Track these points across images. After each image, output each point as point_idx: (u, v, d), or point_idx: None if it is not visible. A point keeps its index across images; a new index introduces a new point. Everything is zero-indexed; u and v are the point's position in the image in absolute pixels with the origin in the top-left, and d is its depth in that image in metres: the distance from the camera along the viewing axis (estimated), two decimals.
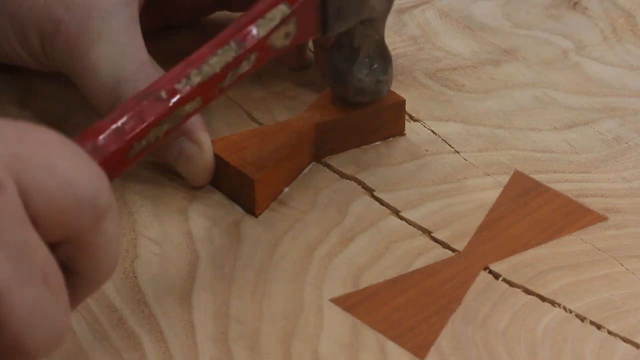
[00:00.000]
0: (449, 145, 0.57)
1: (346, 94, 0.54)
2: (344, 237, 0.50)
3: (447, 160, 0.55)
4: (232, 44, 0.45)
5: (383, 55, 0.54)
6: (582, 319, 0.46)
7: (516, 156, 0.56)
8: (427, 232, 0.51)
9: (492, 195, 0.53)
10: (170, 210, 0.51)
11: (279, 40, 0.47)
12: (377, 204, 0.52)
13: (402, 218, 0.51)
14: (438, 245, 0.50)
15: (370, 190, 0.53)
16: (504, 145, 0.57)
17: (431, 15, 0.69)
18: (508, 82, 0.63)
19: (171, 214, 0.51)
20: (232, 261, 0.49)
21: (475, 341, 0.45)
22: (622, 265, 0.49)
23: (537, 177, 0.54)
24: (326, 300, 0.47)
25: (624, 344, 0.45)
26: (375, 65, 0.54)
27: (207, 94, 0.45)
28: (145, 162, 0.54)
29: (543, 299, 0.47)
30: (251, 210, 0.51)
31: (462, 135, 0.57)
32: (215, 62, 0.45)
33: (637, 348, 0.44)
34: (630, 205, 0.53)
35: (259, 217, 0.51)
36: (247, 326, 0.45)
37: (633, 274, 0.48)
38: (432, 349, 0.44)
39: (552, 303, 0.47)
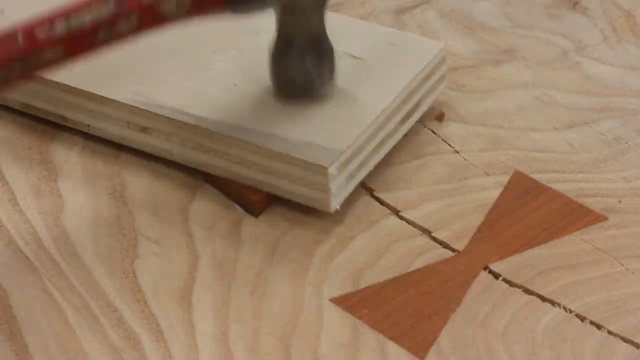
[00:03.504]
0: (449, 145, 0.57)
1: (278, 85, 0.53)
2: (344, 237, 0.50)
3: (447, 160, 0.55)
4: (110, 2, 0.44)
5: (318, 50, 0.52)
6: (582, 319, 0.46)
7: (516, 156, 0.56)
8: (427, 232, 0.51)
9: (492, 195, 0.53)
10: (170, 210, 0.51)
11: (170, 7, 0.46)
12: (377, 204, 0.52)
13: (402, 218, 0.51)
14: (438, 245, 0.50)
15: (370, 190, 0.53)
16: (504, 145, 0.57)
17: (431, 15, 0.69)
18: (508, 82, 0.63)
19: (171, 214, 0.51)
20: (232, 261, 0.49)
21: (475, 341, 0.45)
22: (622, 265, 0.49)
23: (537, 177, 0.54)
24: (326, 300, 0.47)
25: (624, 344, 0.45)
26: (307, 58, 0.52)
27: (72, 46, 0.44)
28: (145, 161, 0.54)
29: (543, 299, 0.47)
30: (251, 210, 0.51)
31: (462, 135, 0.57)
32: (87, 16, 0.44)
33: (637, 348, 0.44)
34: (630, 205, 0.52)
35: (259, 217, 0.51)
36: (247, 326, 0.45)
37: (633, 274, 0.48)
38: (432, 349, 0.44)
39: (552, 303, 0.47)
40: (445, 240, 0.50)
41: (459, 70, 0.63)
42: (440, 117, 0.58)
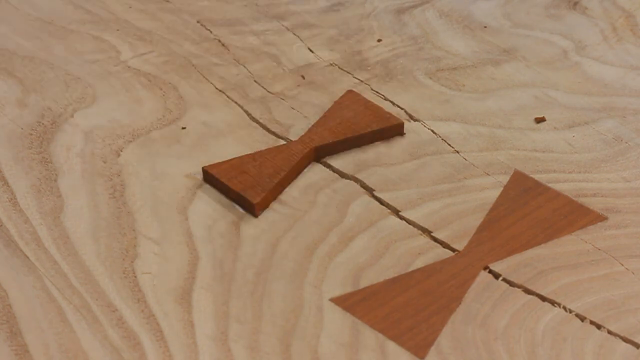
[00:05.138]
0: (449, 145, 0.57)
1: None
2: (344, 237, 0.50)
3: (447, 160, 0.55)
4: None
5: None
6: (582, 318, 0.46)
7: (516, 156, 0.56)
8: (427, 232, 0.51)
9: (492, 195, 0.53)
10: (170, 210, 0.51)
11: None
12: (377, 203, 0.52)
13: (402, 218, 0.52)
14: (438, 245, 0.50)
15: (370, 190, 0.53)
16: (504, 145, 0.57)
17: (431, 15, 0.69)
18: (508, 82, 0.63)
19: (171, 214, 0.51)
20: (232, 261, 0.49)
21: (475, 341, 0.45)
22: (622, 265, 0.49)
23: (537, 177, 0.54)
24: (326, 300, 0.47)
25: (624, 343, 0.45)
26: None
27: None
28: (145, 161, 0.54)
29: (543, 298, 0.47)
30: (251, 210, 0.51)
31: (462, 135, 0.57)
32: None
33: (637, 348, 0.44)
34: (630, 205, 0.53)
35: (259, 217, 0.51)
36: (247, 326, 0.45)
37: (633, 274, 0.48)
38: (432, 348, 0.44)
39: (552, 303, 0.47)
40: (445, 240, 0.50)
41: (459, 70, 0.64)
42: (539, 119, 0.57)
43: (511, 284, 0.48)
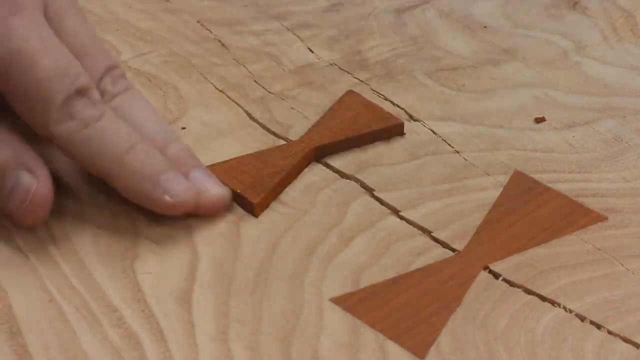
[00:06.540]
0: (449, 145, 0.57)
1: None
2: (344, 237, 0.50)
3: (447, 160, 0.55)
4: None
5: None
6: (582, 318, 0.46)
7: (516, 156, 0.56)
8: (427, 232, 0.51)
9: (492, 195, 0.53)
10: None
11: None
12: (377, 203, 0.52)
13: (402, 218, 0.52)
14: (438, 245, 0.50)
15: (370, 190, 0.53)
16: (504, 145, 0.57)
17: (431, 15, 0.69)
18: (508, 82, 0.63)
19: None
20: (232, 261, 0.49)
21: (475, 341, 0.45)
22: (622, 265, 0.49)
23: (537, 177, 0.54)
24: (326, 300, 0.47)
25: (624, 343, 0.45)
26: None
27: None
28: None
29: (543, 298, 0.47)
30: (251, 210, 0.51)
31: (462, 135, 0.57)
32: None
33: (637, 348, 0.44)
34: (630, 205, 0.53)
35: (259, 217, 0.51)
36: (247, 326, 0.45)
37: (633, 274, 0.48)
38: (432, 349, 0.44)
39: (552, 303, 0.47)
40: (445, 240, 0.50)
41: (459, 70, 0.64)
42: (539, 119, 0.58)
43: (511, 284, 0.48)
